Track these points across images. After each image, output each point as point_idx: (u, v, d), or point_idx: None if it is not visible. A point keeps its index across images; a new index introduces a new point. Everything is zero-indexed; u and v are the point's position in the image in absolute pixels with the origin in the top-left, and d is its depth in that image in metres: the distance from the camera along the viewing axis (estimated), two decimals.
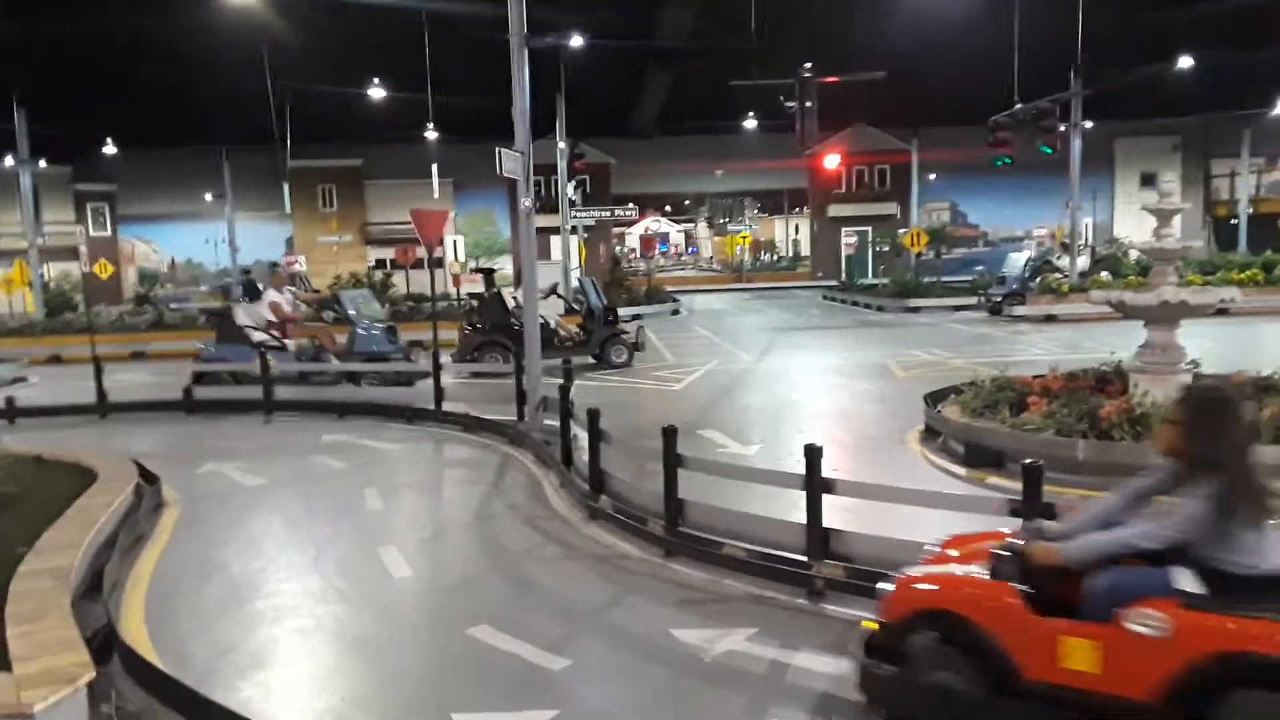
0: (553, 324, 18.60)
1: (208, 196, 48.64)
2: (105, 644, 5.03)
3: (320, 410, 13.73)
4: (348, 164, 50.34)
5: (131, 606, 6.36)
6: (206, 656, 5.54)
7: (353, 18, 30.52)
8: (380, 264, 47.63)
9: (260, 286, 18.07)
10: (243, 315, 15.82)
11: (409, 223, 14.41)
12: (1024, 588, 4.17)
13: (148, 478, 9.00)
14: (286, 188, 43.47)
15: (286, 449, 11.65)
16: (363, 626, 6.02)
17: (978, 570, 4.38)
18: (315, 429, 12.73)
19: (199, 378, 15.16)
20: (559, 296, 22.96)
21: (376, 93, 35.01)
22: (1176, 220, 9.49)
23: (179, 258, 57.86)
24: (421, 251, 14.24)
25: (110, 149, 43.46)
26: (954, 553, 4.67)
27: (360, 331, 15.78)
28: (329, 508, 8.90)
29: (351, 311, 16.28)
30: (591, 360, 18.23)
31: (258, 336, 15.43)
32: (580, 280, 21.79)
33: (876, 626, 4.57)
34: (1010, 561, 4.25)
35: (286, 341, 15.48)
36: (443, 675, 5.29)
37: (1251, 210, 43.35)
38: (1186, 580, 3.91)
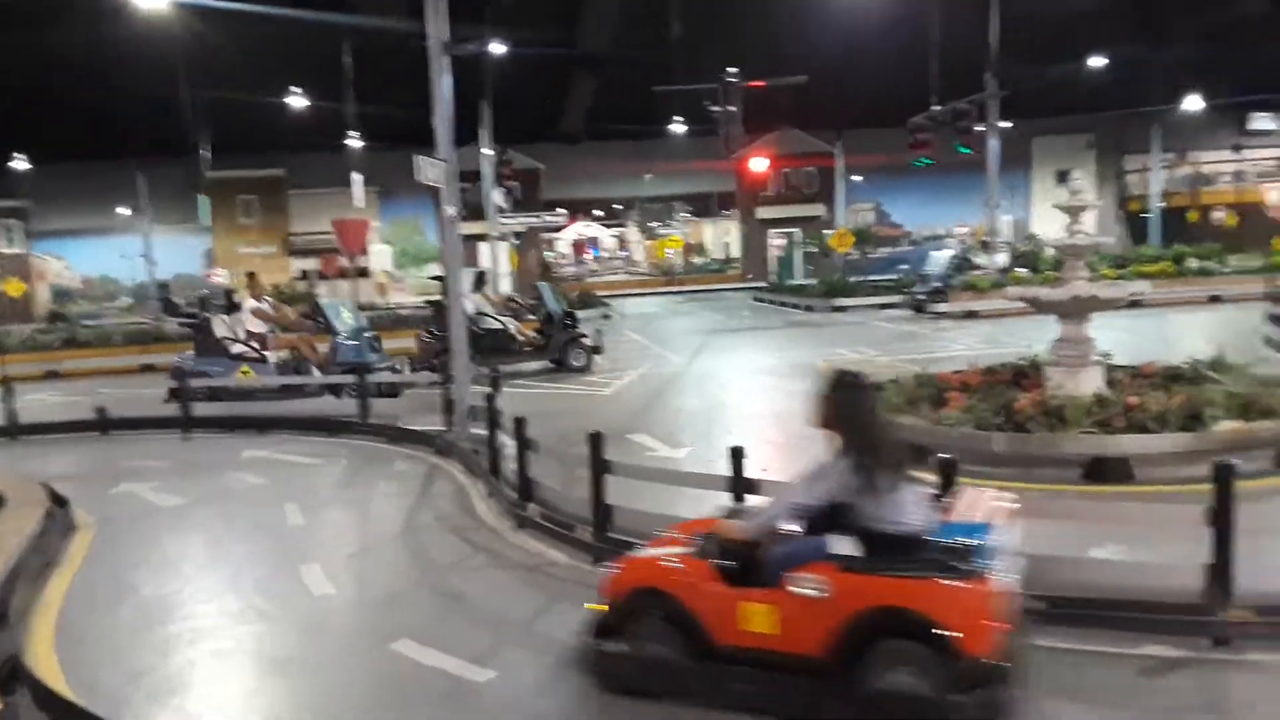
0: (512, 329, 18.40)
1: (123, 210, 47.38)
2: (11, 675, 4.85)
3: (240, 426, 13.42)
4: (270, 174, 49.32)
5: (40, 635, 6.14)
6: (118, 683, 5.37)
7: (273, 26, 29.95)
8: (304, 275, 46.79)
9: (179, 302, 17.65)
10: (221, 327, 15.18)
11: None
12: (722, 563, 4.55)
13: (58, 501, 8.71)
14: (203, 199, 42.34)
15: (204, 467, 11.35)
16: (283, 646, 5.89)
17: (686, 550, 4.77)
18: (235, 445, 12.44)
19: (176, 393, 14.26)
20: (515, 301, 22.49)
21: (299, 101, 34.37)
22: (1088, 216, 9.75)
23: (93, 273, 56.30)
24: (347, 261, 13.90)
25: (21, 164, 42.03)
26: (676, 535, 5.09)
27: (341, 342, 15.19)
28: (248, 526, 8.70)
29: (333, 321, 15.50)
30: (551, 365, 18.05)
31: (236, 348, 14.92)
32: (537, 285, 21.51)
33: (606, 608, 4.88)
34: (711, 540, 4.67)
35: (266, 353, 15.00)
36: (366, 693, 5.19)
37: (1164, 204, 44.74)
38: (847, 545, 4.31)
